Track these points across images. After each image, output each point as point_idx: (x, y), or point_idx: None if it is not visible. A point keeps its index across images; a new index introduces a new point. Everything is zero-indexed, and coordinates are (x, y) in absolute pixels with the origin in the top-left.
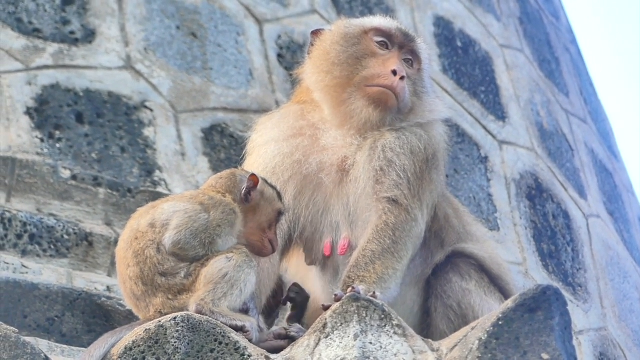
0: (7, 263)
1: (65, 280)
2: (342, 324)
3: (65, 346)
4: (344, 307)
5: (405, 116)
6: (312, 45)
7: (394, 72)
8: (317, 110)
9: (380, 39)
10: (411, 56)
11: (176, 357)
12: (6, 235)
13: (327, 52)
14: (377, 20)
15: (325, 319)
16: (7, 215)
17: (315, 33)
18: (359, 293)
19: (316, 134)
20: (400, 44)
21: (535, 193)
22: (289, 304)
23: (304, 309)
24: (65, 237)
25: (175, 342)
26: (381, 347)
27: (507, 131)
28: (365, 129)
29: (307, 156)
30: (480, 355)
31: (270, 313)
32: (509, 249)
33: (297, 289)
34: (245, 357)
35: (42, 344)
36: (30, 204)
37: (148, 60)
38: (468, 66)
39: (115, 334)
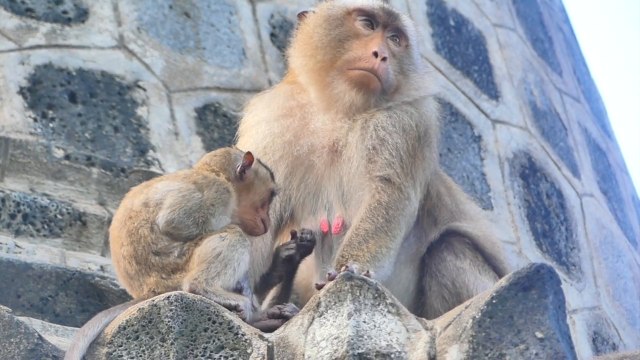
0: (1, 243)
1: (59, 259)
2: (335, 302)
3: (58, 325)
4: (337, 286)
5: (391, 95)
6: (298, 27)
7: (375, 54)
8: (306, 92)
9: (363, 18)
10: (397, 34)
11: (170, 336)
12: None
13: (310, 35)
14: (360, 0)
15: (319, 298)
16: (1, 195)
17: (301, 15)
18: (353, 272)
19: (305, 116)
20: (384, 22)
21: (528, 172)
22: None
23: (290, 287)
24: (59, 216)
25: (168, 321)
26: (375, 325)
27: (501, 110)
28: (352, 112)
29: (298, 138)
30: (474, 334)
31: (271, 282)
32: (502, 228)
33: (309, 232)
34: (239, 336)
35: (36, 324)
36: (24, 184)
37: (141, 39)
38: (461, 45)
39: (109, 314)
